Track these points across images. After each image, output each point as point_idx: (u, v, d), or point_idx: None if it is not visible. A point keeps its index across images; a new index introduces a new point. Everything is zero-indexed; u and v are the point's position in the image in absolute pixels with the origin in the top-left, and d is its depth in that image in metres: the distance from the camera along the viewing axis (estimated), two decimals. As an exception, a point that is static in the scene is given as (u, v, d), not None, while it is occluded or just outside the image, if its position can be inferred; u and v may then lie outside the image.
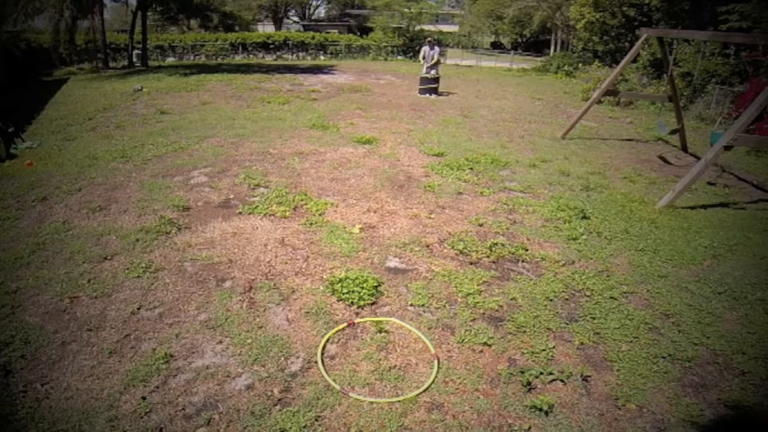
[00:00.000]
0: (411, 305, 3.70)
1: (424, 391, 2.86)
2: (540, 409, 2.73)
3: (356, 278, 3.89)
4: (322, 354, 3.13)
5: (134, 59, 21.77)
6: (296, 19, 47.10)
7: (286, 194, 5.73)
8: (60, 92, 13.54)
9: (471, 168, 7.01)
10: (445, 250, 4.59)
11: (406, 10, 28.58)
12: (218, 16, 29.48)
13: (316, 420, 2.62)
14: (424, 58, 13.74)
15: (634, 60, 12.99)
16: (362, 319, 3.49)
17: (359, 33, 31.61)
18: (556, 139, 9.21)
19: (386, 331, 3.38)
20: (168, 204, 5.38)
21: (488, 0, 35.44)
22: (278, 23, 42.54)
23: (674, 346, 3.35)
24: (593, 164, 7.67)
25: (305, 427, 2.57)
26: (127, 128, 8.88)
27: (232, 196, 5.72)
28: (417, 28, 29.09)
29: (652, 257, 4.60)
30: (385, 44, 27.51)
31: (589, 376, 3.04)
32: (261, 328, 3.37)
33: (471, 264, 4.36)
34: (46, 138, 8.13)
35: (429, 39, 14.64)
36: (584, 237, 4.95)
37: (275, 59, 26.21)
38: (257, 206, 5.35)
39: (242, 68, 19.53)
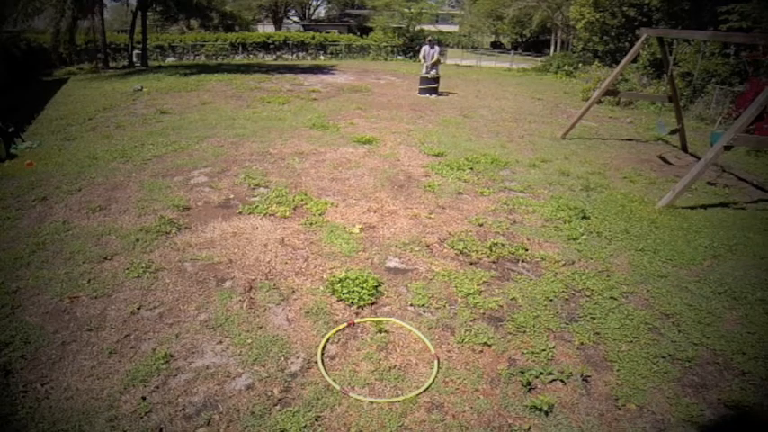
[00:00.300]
0: (411, 305, 3.70)
1: (424, 391, 2.86)
2: (540, 409, 2.73)
3: (356, 278, 3.89)
4: (322, 354, 3.13)
5: (134, 59, 21.77)
6: (296, 19, 47.10)
7: (286, 194, 5.73)
8: (60, 92, 13.54)
9: (471, 168, 7.01)
10: (445, 250, 4.59)
11: (406, 10, 28.58)
12: (218, 16, 29.47)
13: (316, 420, 2.62)
14: (424, 57, 13.74)
15: (634, 60, 12.98)
16: (362, 319, 3.49)
17: (359, 33, 31.61)
18: (556, 139, 9.21)
19: (386, 331, 3.38)
20: (168, 204, 5.38)
21: (488, 0, 35.44)
22: (278, 23, 42.54)
23: (674, 346, 3.35)
24: (593, 164, 7.67)
25: (305, 427, 2.57)
26: (127, 128, 8.88)
27: (232, 196, 5.72)
28: (417, 28, 29.09)
29: (652, 257, 4.60)
30: (385, 44, 27.50)
31: (589, 376, 3.04)
32: (261, 328, 3.37)
33: (471, 264, 4.36)
34: (46, 138, 8.13)
35: (429, 38, 14.63)
36: (584, 237, 4.95)
37: (275, 59, 26.22)
38: (257, 206, 5.35)
39: (242, 68, 19.53)
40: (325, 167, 6.84)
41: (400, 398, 2.79)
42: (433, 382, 2.92)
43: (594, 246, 4.77)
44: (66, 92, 13.54)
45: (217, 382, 2.87)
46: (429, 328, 3.43)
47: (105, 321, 3.39)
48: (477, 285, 3.96)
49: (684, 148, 9.04)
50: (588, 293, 3.94)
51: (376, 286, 3.85)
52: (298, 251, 4.47)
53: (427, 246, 4.65)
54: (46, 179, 6.08)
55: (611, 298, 3.88)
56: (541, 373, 3.00)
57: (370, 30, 31.49)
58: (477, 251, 4.55)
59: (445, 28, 38.11)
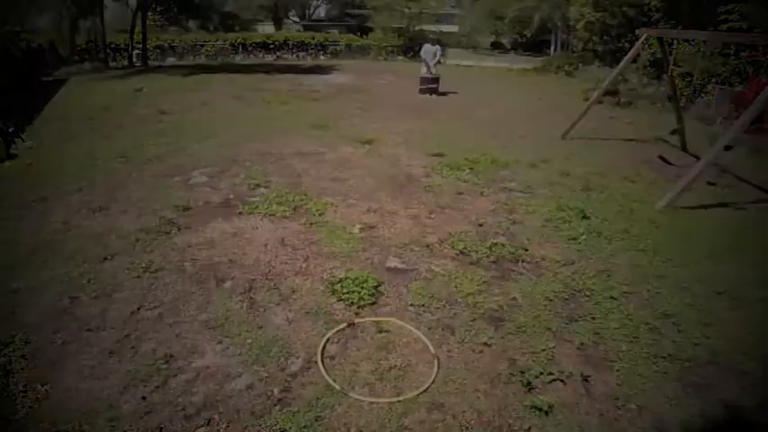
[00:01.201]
0: (411, 305, 3.70)
1: (424, 391, 2.86)
2: (540, 409, 2.73)
3: (356, 278, 3.89)
4: (322, 354, 3.12)
5: (134, 59, 21.77)
6: (296, 19, 47.04)
7: (286, 194, 5.73)
8: (60, 92, 13.54)
9: (471, 168, 7.00)
10: (445, 250, 4.59)
11: (407, 10, 28.56)
12: (218, 16, 29.45)
13: (316, 420, 2.62)
14: (424, 56, 13.74)
15: (634, 60, 12.96)
16: (362, 319, 3.49)
17: (359, 33, 31.50)
18: (556, 139, 9.20)
19: (386, 331, 3.38)
20: (168, 204, 5.37)
21: (488, 0, 35.40)
22: (278, 23, 42.51)
23: (674, 346, 3.35)
24: (594, 164, 7.66)
25: (305, 427, 2.57)
26: (127, 128, 8.89)
27: (232, 196, 5.72)
28: (417, 28, 29.06)
29: (652, 257, 4.59)
30: (385, 44, 27.48)
31: (589, 376, 3.03)
32: (261, 328, 3.37)
33: (471, 264, 4.36)
34: (46, 138, 8.13)
35: (430, 37, 14.63)
36: (584, 237, 4.95)
37: (275, 60, 26.18)
38: (257, 206, 5.35)
39: (242, 69, 19.53)
40: (326, 167, 6.84)
41: (400, 398, 2.79)
42: (433, 382, 2.92)
43: (594, 246, 4.77)
44: (66, 92, 13.54)
45: (217, 382, 2.87)
46: (429, 328, 3.42)
47: (105, 321, 3.39)
48: (478, 285, 3.96)
49: (684, 148, 9.03)
50: (588, 293, 3.94)
51: (376, 286, 3.85)
52: (298, 251, 4.46)
53: (427, 246, 4.65)
54: (46, 179, 6.08)
55: (611, 298, 3.87)
56: (541, 373, 3.00)
57: (370, 30, 31.44)
58: (477, 251, 4.55)
59: (445, 28, 37.97)
